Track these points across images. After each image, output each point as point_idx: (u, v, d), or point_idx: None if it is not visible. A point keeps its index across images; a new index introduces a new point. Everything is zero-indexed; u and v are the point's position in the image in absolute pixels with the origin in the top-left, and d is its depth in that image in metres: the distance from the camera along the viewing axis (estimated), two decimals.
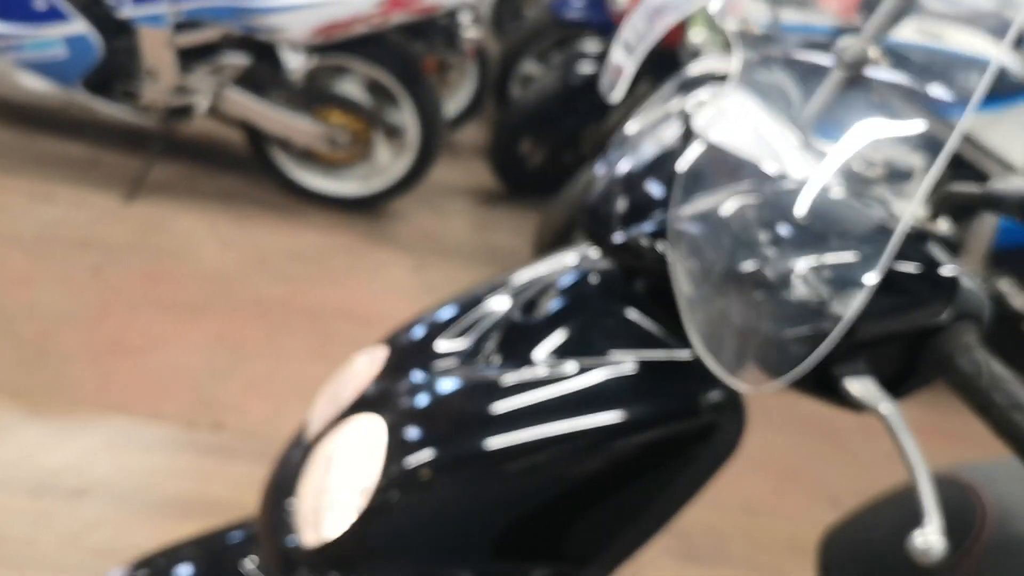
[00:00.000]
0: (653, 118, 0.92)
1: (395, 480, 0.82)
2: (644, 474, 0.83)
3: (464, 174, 4.04)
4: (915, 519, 0.67)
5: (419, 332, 0.97)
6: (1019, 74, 2.20)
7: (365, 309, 2.77)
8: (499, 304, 0.94)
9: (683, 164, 0.83)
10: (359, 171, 3.36)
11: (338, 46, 3.08)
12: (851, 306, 0.67)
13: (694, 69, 1.01)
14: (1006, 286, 2.58)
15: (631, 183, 0.88)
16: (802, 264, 0.70)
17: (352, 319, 2.70)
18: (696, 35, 3.05)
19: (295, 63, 3.02)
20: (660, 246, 0.83)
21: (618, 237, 0.87)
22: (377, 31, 3.07)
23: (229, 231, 3.04)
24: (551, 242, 2.89)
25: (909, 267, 0.74)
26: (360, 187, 3.36)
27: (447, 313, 0.97)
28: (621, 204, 0.88)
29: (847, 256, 0.70)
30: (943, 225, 0.78)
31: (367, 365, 1.03)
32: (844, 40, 0.84)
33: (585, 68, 3.42)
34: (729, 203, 0.78)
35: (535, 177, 3.69)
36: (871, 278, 0.67)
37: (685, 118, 0.88)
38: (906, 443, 0.70)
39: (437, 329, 0.96)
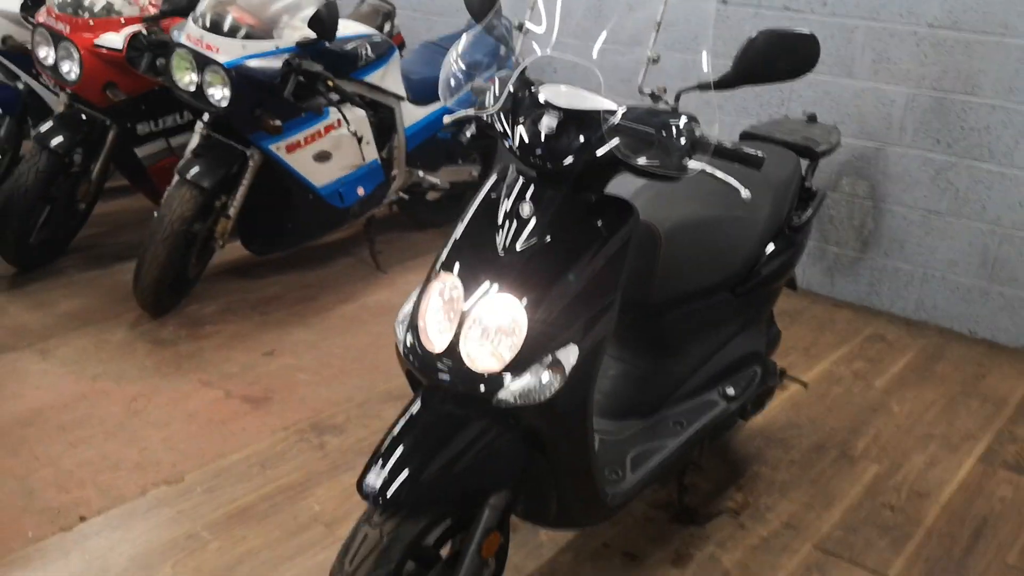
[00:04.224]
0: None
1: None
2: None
3: None
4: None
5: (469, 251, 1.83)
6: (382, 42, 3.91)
7: None
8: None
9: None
10: None
11: None
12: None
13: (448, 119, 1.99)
14: (419, 172, 4.20)
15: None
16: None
17: None
18: (186, 77, 3.31)
19: None
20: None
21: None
22: None
23: None
24: (158, 279, 3.30)
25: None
26: None
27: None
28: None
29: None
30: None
31: (445, 290, 1.68)
32: None
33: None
34: None
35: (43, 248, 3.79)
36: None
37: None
38: (718, 174, 1.75)
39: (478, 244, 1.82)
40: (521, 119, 1.82)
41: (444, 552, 1.88)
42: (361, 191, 3.83)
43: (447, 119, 2.03)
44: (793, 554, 2.45)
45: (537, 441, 1.84)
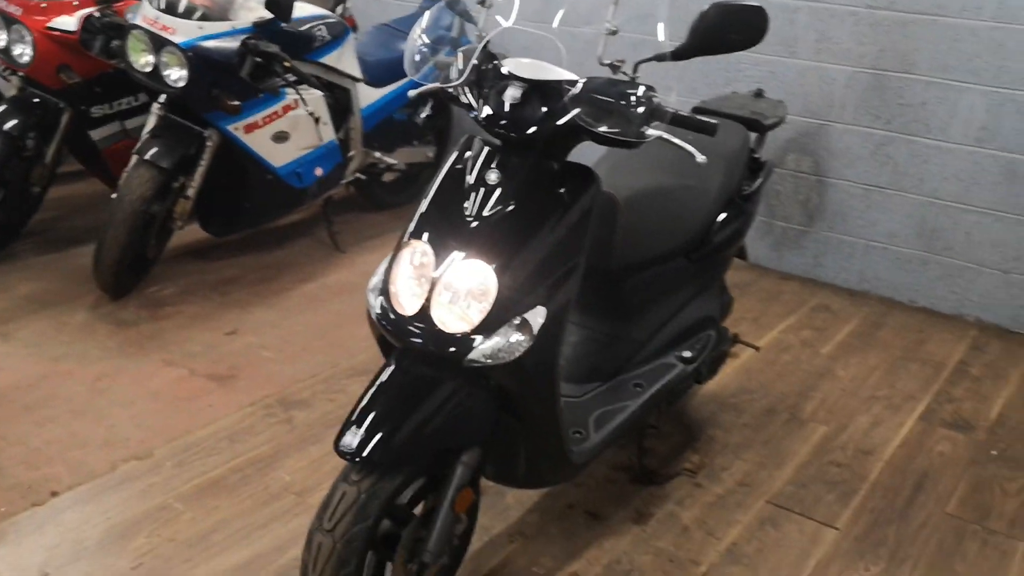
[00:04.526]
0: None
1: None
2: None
3: None
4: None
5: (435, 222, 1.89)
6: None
7: None
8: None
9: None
10: None
11: None
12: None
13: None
14: (375, 153, 4.25)
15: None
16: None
17: None
18: (143, 58, 3.32)
19: None
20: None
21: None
22: None
23: None
24: (118, 260, 3.31)
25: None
26: None
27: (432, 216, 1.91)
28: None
29: None
30: None
31: (415, 256, 1.74)
32: None
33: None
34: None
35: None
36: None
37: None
38: (675, 141, 1.82)
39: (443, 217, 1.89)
40: (486, 91, 1.89)
41: (417, 511, 1.95)
42: (319, 171, 3.87)
43: (412, 93, 2.08)
44: (748, 509, 2.57)
45: (507, 402, 1.92)
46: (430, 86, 1.99)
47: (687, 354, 2.47)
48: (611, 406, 2.30)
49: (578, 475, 2.27)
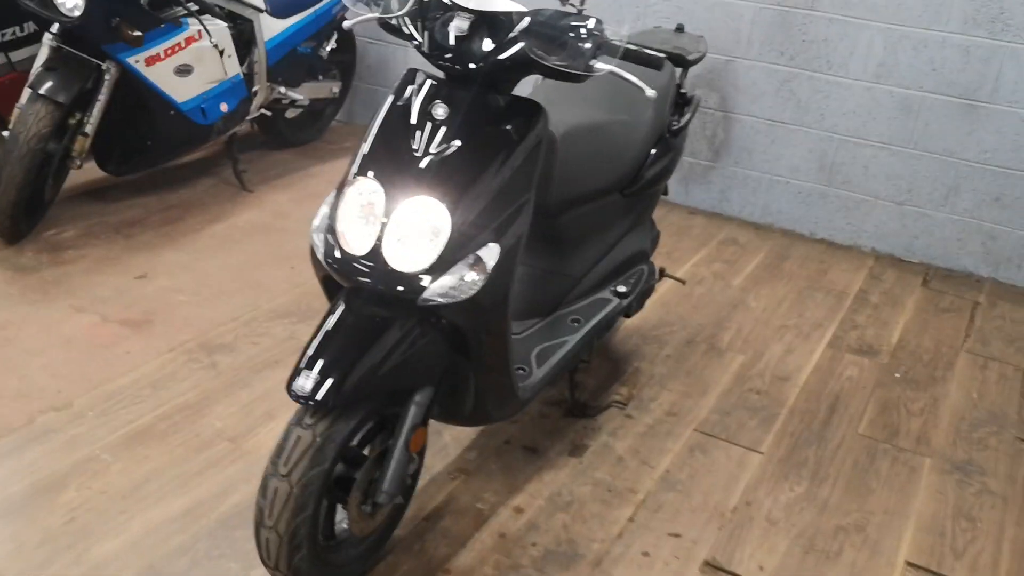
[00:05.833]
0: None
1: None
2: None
3: None
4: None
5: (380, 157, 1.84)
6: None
7: None
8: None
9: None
10: None
11: None
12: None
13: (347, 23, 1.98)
14: (280, 87, 4.10)
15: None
16: None
17: None
18: None
19: None
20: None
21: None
22: None
23: None
24: (15, 202, 3.17)
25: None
26: None
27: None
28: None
29: None
30: None
31: (363, 194, 1.70)
32: None
33: None
34: None
35: None
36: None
37: None
38: (625, 75, 1.80)
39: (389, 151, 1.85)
40: (429, 22, 1.84)
41: (367, 453, 1.94)
42: (224, 107, 3.72)
43: (348, 24, 2.01)
44: (677, 438, 2.65)
45: (457, 339, 1.91)
46: (365, 17, 1.92)
47: (622, 288, 2.51)
48: (551, 341, 2.32)
49: (523, 410, 2.29)
